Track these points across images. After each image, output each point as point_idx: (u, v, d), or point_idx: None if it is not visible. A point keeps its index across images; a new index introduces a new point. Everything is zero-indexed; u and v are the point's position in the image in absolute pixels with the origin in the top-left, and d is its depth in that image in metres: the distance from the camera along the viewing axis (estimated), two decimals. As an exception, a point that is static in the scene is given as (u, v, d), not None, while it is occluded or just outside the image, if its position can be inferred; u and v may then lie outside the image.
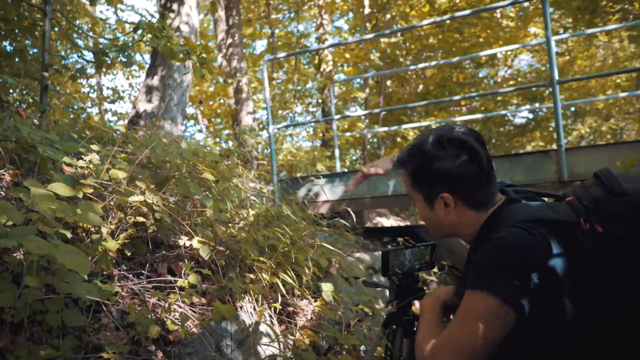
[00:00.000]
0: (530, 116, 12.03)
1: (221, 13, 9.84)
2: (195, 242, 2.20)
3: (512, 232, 1.04)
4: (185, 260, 2.30)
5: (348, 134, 10.34)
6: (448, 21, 9.54)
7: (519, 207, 1.12)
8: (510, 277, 1.00)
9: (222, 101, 11.08)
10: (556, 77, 3.37)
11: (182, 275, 2.18)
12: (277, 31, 13.73)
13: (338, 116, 5.37)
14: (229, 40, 9.36)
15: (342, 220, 3.39)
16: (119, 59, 2.98)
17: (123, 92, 12.75)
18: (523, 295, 1.00)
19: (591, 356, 1.03)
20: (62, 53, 7.05)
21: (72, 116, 5.04)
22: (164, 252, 2.29)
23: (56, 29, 4.72)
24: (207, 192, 2.66)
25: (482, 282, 1.02)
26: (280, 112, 13.52)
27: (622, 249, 1.01)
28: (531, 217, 1.06)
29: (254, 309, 2.35)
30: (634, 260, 1.00)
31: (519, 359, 1.09)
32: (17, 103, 3.46)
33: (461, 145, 1.12)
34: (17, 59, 3.77)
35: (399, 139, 11.16)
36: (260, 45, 21.21)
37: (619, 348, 1.02)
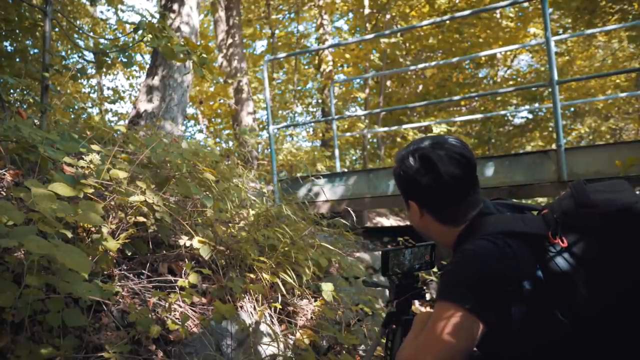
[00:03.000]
0: (530, 116, 12.01)
1: (221, 13, 9.85)
2: (195, 242, 2.20)
3: (478, 244, 1.06)
4: (186, 260, 2.30)
5: (348, 134, 10.33)
6: (448, 21, 9.55)
7: (492, 219, 1.14)
8: (475, 288, 1.01)
9: (222, 101, 11.08)
10: (555, 77, 3.37)
11: (183, 275, 2.19)
12: (277, 31, 13.74)
13: (338, 116, 5.37)
14: (229, 41, 9.36)
15: (342, 220, 3.39)
16: (119, 59, 2.98)
17: (124, 92, 12.71)
18: (489, 306, 1.00)
19: None
20: (63, 53, 7.05)
21: (72, 116, 5.05)
22: (164, 251, 2.30)
23: (57, 29, 4.72)
24: (207, 192, 2.66)
25: (448, 292, 1.04)
26: (280, 112, 13.53)
27: (590, 262, 1.02)
28: (501, 229, 1.08)
29: (254, 308, 2.36)
30: (603, 271, 1.00)
31: None
32: (18, 103, 3.47)
33: (431, 167, 1.14)
34: (17, 59, 3.78)
35: (398, 139, 11.16)
36: (261, 45, 21.24)
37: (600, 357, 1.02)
